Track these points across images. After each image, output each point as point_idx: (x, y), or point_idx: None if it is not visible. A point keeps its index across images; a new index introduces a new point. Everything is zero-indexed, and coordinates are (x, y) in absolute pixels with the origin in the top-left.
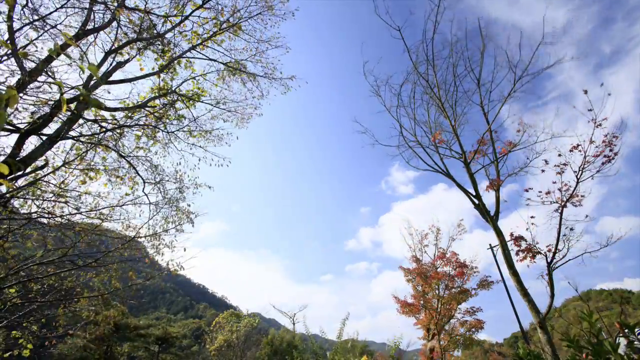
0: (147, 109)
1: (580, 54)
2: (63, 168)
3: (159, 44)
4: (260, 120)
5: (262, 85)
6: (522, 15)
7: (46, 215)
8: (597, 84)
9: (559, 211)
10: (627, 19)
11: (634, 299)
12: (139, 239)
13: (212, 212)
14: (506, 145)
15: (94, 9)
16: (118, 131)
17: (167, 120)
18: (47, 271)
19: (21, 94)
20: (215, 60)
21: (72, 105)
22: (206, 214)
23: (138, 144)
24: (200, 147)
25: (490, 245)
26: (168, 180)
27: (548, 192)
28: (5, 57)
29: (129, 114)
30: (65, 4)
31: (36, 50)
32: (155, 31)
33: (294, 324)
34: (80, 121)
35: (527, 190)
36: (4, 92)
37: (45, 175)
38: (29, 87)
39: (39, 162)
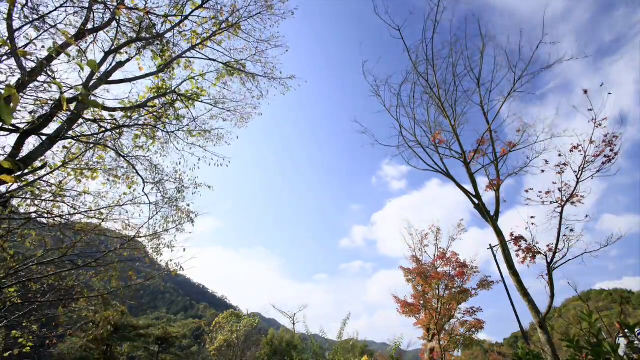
0: (146, 108)
1: (580, 42)
2: (62, 168)
3: (158, 44)
4: (254, 118)
5: (261, 85)
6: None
7: (45, 215)
8: (596, 73)
9: (559, 211)
10: (630, 4)
11: (634, 299)
12: (139, 239)
13: (206, 209)
14: (506, 145)
15: (93, 8)
16: (117, 131)
17: (167, 120)
18: (47, 271)
19: (21, 94)
20: (214, 60)
21: (72, 105)
22: (207, 213)
23: (137, 144)
24: (199, 146)
25: (490, 245)
26: (167, 180)
27: (548, 192)
28: (5, 57)
29: (129, 114)
30: (64, 3)
31: (36, 50)
32: (154, 31)
33: (293, 324)
34: (80, 121)
35: (527, 191)
36: (3, 91)
37: (44, 175)
38: (28, 86)
39: (39, 162)
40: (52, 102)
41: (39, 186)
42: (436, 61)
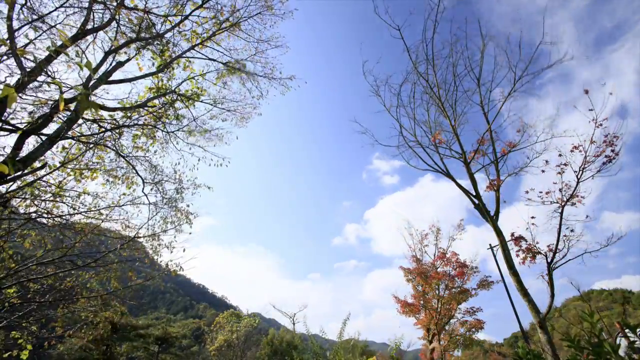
0: (146, 108)
1: (579, 29)
2: (62, 168)
3: (158, 44)
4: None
5: (261, 85)
6: None
7: (45, 215)
8: (596, 63)
9: (559, 211)
10: None
11: (635, 299)
12: (139, 239)
13: (203, 208)
14: (506, 145)
15: (93, 8)
16: (117, 131)
17: (167, 120)
18: (47, 271)
19: (20, 94)
20: (214, 60)
21: (72, 105)
22: (207, 214)
23: (137, 144)
24: (199, 146)
25: (490, 245)
26: (167, 181)
27: (548, 192)
28: (4, 57)
29: (128, 114)
30: (64, 3)
31: (36, 49)
32: (154, 31)
33: (294, 323)
34: (80, 121)
35: (527, 191)
36: (1, 91)
37: (44, 175)
38: (28, 86)
39: (38, 162)
40: (51, 102)
41: (38, 186)
42: (436, 61)
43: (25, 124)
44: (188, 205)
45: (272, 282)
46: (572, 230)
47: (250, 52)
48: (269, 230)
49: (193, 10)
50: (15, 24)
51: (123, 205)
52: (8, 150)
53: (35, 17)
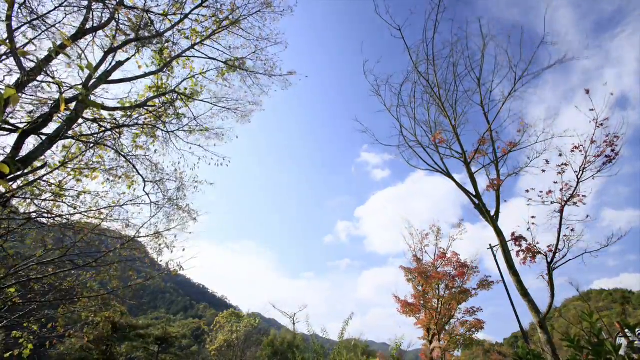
0: (146, 108)
1: (579, 15)
2: (62, 167)
3: (157, 43)
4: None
5: (262, 82)
6: None
7: (45, 215)
8: (596, 49)
9: (560, 211)
10: None
11: (634, 299)
12: (139, 239)
13: (199, 205)
14: (507, 145)
15: (92, 7)
16: (117, 130)
17: (167, 119)
18: (47, 271)
19: (20, 94)
20: (214, 59)
21: (72, 105)
22: (207, 213)
23: (137, 143)
24: (199, 146)
25: (490, 245)
26: (168, 179)
27: (549, 192)
28: (4, 57)
29: (128, 113)
30: (63, 2)
31: (35, 50)
32: (154, 30)
33: (294, 323)
34: (80, 121)
35: (528, 191)
36: (2, 92)
37: (44, 175)
38: (28, 86)
39: (38, 162)
40: (51, 102)
41: (38, 186)
42: (437, 61)
43: (25, 124)
44: (188, 205)
45: (271, 281)
46: (572, 230)
47: (250, 50)
48: (261, 227)
49: (193, 9)
50: (15, 24)
51: (124, 204)
52: (8, 150)
53: (34, 16)
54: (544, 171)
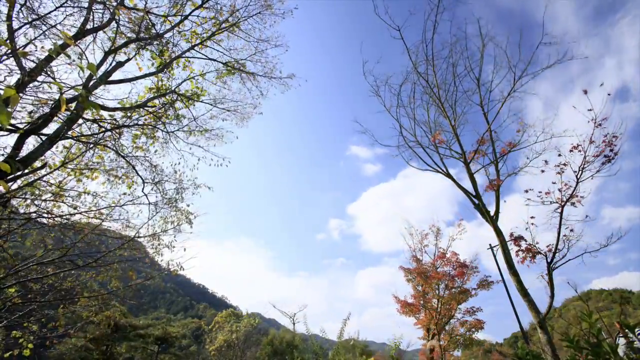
0: (146, 108)
1: (578, 2)
2: (62, 168)
3: (157, 44)
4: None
5: (261, 85)
6: None
7: (45, 215)
8: (595, 36)
9: (559, 211)
10: None
11: (634, 299)
12: (139, 239)
13: (199, 206)
14: (506, 146)
15: (93, 8)
16: (117, 131)
17: (167, 120)
18: (47, 271)
19: (20, 94)
20: (214, 60)
21: (72, 105)
22: (206, 214)
23: (137, 144)
24: (199, 146)
25: (490, 245)
26: (167, 181)
27: (548, 192)
28: (5, 57)
29: (128, 114)
30: (64, 3)
31: (36, 50)
32: (154, 31)
33: (294, 323)
34: (80, 121)
35: (527, 191)
36: (2, 92)
37: (44, 175)
38: (28, 86)
39: (38, 162)
40: (52, 102)
41: (38, 186)
42: (436, 61)
43: (25, 124)
44: (188, 205)
45: (270, 281)
46: (571, 230)
47: (250, 52)
48: (254, 224)
49: (193, 10)
50: (15, 24)
51: (123, 205)
52: (8, 150)
53: (34, 17)
54: (543, 171)
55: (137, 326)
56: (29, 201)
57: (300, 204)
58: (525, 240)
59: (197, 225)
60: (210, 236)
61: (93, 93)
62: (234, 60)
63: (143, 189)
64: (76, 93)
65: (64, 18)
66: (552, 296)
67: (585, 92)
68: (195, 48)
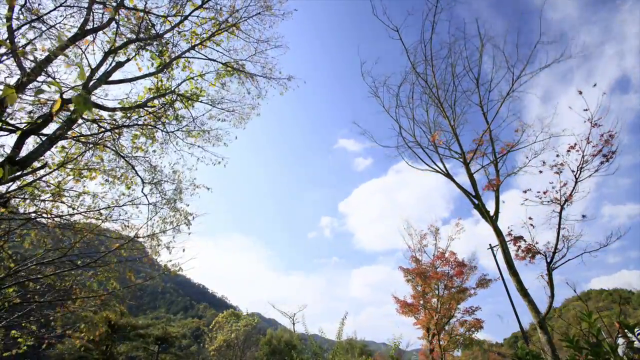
0: (145, 109)
1: None
2: (62, 168)
3: (157, 44)
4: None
5: (260, 85)
6: None
7: (45, 215)
8: (594, 23)
9: (558, 211)
10: None
11: (634, 299)
12: (138, 239)
13: (199, 205)
14: (505, 145)
15: (92, 8)
16: (117, 131)
17: (166, 120)
18: (46, 271)
19: (20, 94)
20: (214, 60)
21: (72, 106)
22: (206, 214)
23: (136, 144)
24: (198, 146)
25: (490, 245)
26: (166, 181)
27: (546, 192)
28: (4, 57)
29: (128, 114)
30: (63, 3)
31: (35, 50)
32: (154, 31)
33: (293, 324)
34: (80, 121)
35: (525, 192)
36: (1, 91)
37: (44, 176)
38: (28, 87)
39: (38, 162)
40: (51, 102)
41: (38, 186)
42: (435, 61)
43: (25, 124)
44: (187, 205)
45: (269, 280)
46: (571, 231)
47: (249, 52)
48: (249, 222)
49: (192, 11)
50: (15, 24)
51: (123, 205)
52: (8, 150)
53: (34, 17)
54: (541, 172)
55: (137, 326)
56: (28, 201)
57: (292, 201)
58: (525, 241)
59: (196, 225)
60: (210, 236)
61: (93, 93)
62: (233, 61)
63: (142, 189)
64: (76, 93)
65: (64, 18)
66: (552, 296)
67: (580, 92)
68: (195, 48)
